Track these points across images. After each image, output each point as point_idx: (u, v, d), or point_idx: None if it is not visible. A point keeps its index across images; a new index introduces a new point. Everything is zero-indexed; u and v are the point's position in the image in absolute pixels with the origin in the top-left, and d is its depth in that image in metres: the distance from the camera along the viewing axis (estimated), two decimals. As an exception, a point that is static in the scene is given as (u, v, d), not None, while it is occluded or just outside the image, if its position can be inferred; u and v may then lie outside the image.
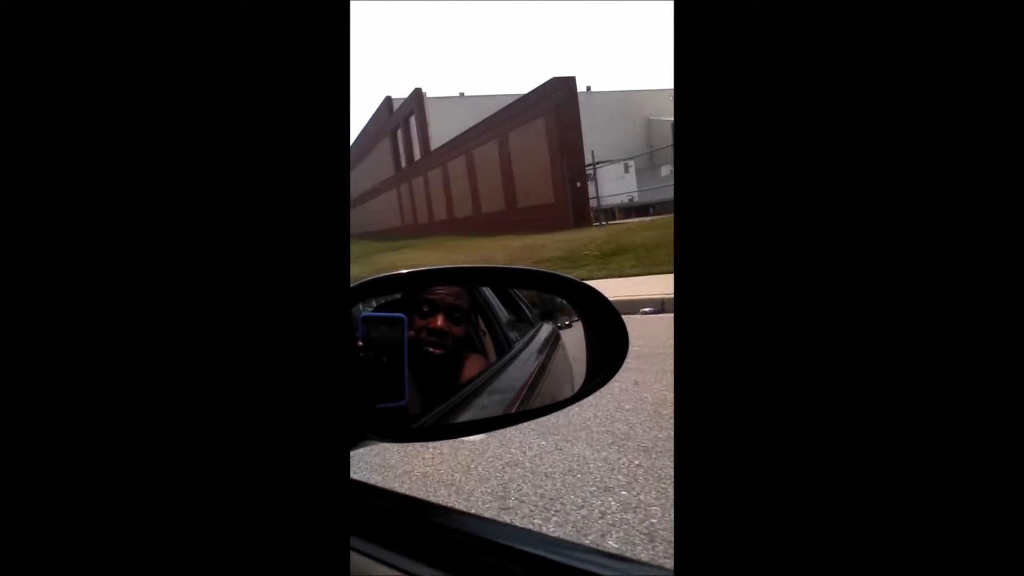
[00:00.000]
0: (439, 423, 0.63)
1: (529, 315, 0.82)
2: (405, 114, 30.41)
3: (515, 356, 0.78)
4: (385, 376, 0.55)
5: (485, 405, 0.69)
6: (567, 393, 0.69)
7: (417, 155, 29.46)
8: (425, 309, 0.62)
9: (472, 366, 0.69)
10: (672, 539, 0.49)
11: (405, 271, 0.60)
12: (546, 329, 0.84)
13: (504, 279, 0.80)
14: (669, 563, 0.55)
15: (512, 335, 0.79)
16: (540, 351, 0.82)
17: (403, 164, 32.35)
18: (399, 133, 33.28)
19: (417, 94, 27.83)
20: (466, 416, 0.65)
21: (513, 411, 0.71)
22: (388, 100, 33.70)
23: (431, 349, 0.62)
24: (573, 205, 17.32)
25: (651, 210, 21.61)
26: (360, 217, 40.31)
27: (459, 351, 0.66)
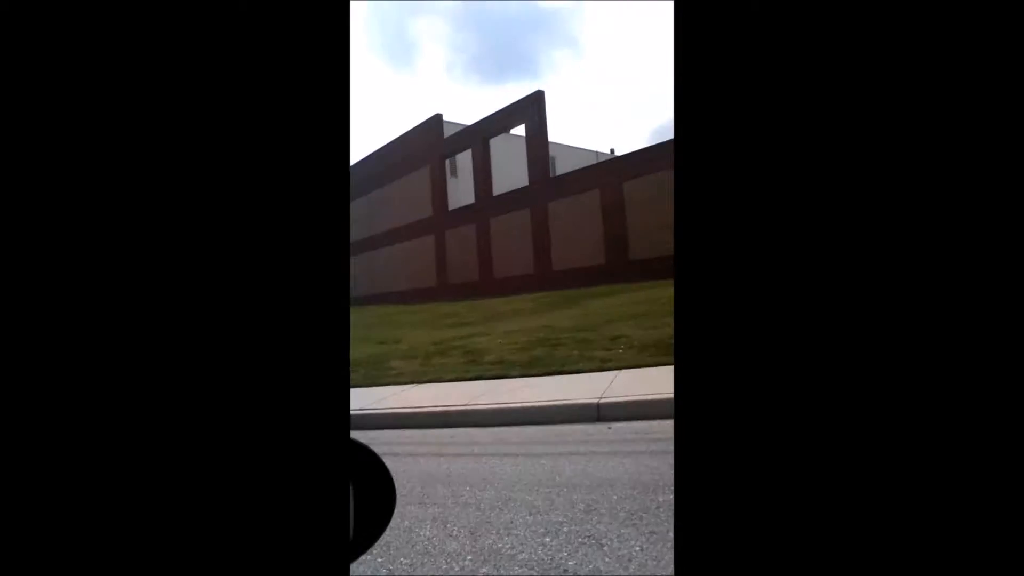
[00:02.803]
0: None
1: None
2: (491, 132, 22.21)
3: None
4: None
5: None
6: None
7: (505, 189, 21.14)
8: None
9: None
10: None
11: None
12: None
13: None
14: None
15: None
16: None
17: (456, 202, 23.57)
18: (460, 161, 24.72)
19: (537, 100, 20.03)
20: None
21: None
22: (437, 120, 25.29)
23: None
24: None
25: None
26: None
27: None
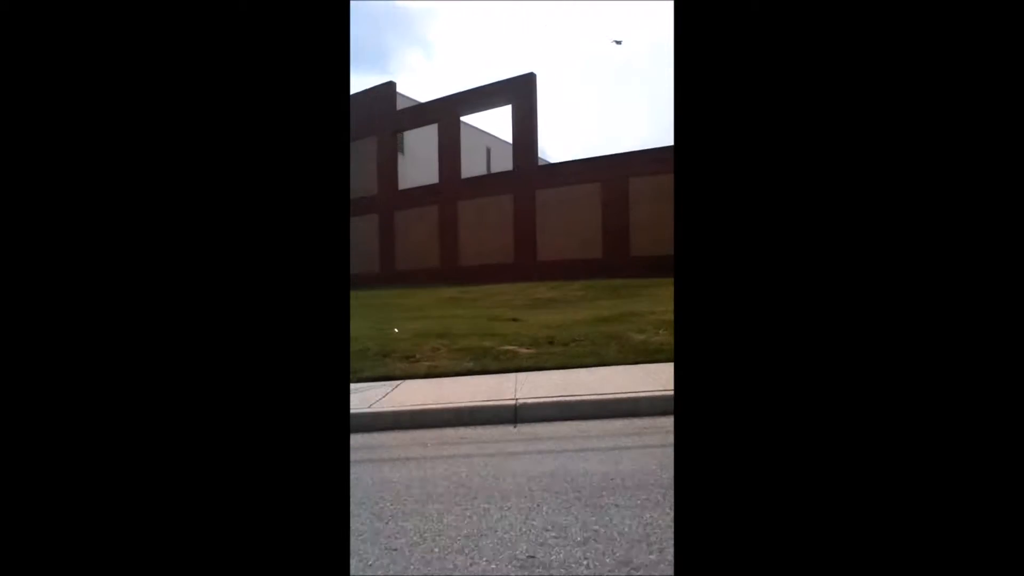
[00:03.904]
0: None
1: None
2: (463, 110, 20.67)
3: None
4: None
5: None
6: None
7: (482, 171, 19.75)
8: None
9: None
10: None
11: None
12: None
13: None
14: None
15: None
16: None
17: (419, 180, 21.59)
18: (409, 139, 22.64)
19: (528, 81, 19.02)
20: None
21: None
22: (390, 88, 23.00)
23: None
24: None
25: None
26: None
27: None
